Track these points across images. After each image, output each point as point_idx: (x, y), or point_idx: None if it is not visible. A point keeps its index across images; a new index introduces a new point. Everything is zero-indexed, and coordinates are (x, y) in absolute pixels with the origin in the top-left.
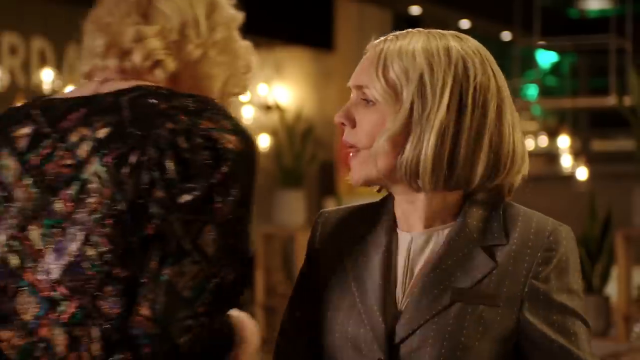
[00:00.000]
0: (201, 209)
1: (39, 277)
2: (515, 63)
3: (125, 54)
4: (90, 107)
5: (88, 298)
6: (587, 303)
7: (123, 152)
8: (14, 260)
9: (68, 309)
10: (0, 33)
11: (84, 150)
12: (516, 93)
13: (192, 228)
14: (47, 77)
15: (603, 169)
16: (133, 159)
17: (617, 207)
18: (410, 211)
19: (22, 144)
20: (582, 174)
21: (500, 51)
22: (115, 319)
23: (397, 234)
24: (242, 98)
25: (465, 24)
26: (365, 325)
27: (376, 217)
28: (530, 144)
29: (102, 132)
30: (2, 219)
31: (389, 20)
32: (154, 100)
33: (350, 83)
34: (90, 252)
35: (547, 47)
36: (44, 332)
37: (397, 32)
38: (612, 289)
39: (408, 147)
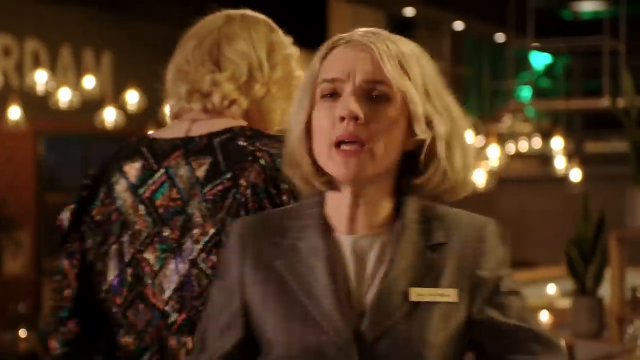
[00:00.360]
0: None
1: (155, 292)
2: (509, 64)
3: (205, 97)
4: (188, 147)
5: (194, 311)
6: (580, 304)
7: (220, 190)
8: (131, 278)
9: (177, 319)
10: None
11: (187, 186)
12: (510, 95)
13: None
14: (40, 78)
15: (596, 171)
16: (229, 196)
17: (610, 208)
18: (358, 214)
19: (134, 177)
20: (576, 175)
21: (494, 53)
22: None
23: (334, 237)
24: None
25: (459, 25)
26: (326, 332)
27: (301, 222)
28: (524, 145)
29: (201, 171)
30: (120, 242)
31: (382, 21)
32: (243, 143)
33: (363, 77)
34: (197, 273)
35: (541, 49)
36: (155, 338)
37: (371, 30)
38: (605, 290)
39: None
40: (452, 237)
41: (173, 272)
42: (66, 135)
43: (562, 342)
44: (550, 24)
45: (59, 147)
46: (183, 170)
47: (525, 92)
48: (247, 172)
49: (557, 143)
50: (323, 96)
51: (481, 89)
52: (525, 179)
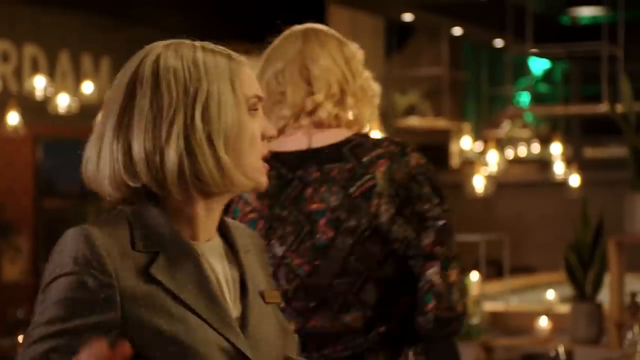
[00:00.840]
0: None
1: (313, 283)
2: (508, 70)
3: (311, 114)
4: (319, 157)
5: (352, 296)
6: (579, 310)
7: (363, 190)
8: (288, 272)
9: (337, 303)
10: None
11: (330, 189)
12: (508, 100)
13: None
14: (39, 83)
15: (595, 176)
16: (374, 195)
17: (609, 213)
18: (209, 221)
19: (271, 186)
20: (575, 180)
21: (492, 58)
22: (373, 305)
23: (187, 244)
24: None
25: (457, 30)
26: (225, 341)
27: (148, 231)
28: (522, 151)
29: (340, 176)
30: (270, 244)
31: (381, 26)
32: (369, 148)
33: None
34: (353, 263)
35: (539, 55)
36: (318, 320)
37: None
38: (604, 296)
39: None
40: (240, 241)
41: (328, 265)
42: (65, 141)
43: None
44: (548, 29)
45: (58, 152)
46: (321, 177)
47: (524, 98)
48: (383, 172)
49: (556, 148)
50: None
51: (480, 94)
52: (524, 184)
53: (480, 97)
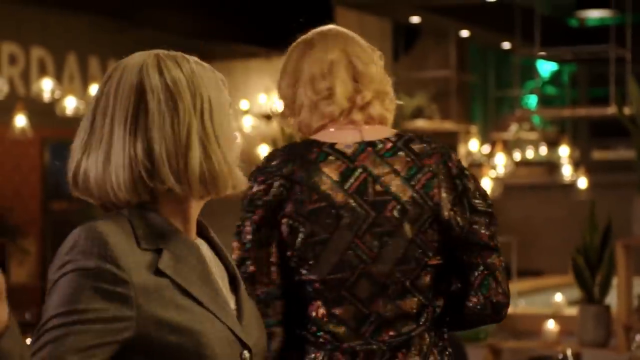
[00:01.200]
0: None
1: (375, 269)
2: (515, 72)
3: (362, 109)
4: (376, 149)
5: (409, 282)
6: (587, 313)
7: (424, 182)
8: (354, 258)
9: (396, 289)
10: (0, 43)
11: (391, 180)
12: (516, 102)
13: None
14: (46, 86)
15: (603, 178)
16: (434, 185)
17: (617, 216)
18: (195, 220)
19: (336, 175)
20: (582, 183)
21: (499, 60)
22: (426, 292)
23: (188, 239)
24: (242, 107)
25: (465, 33)
26: (229, 330)
27: (150, 229)
28: (530, 153)
29: (401, 167)
30: (336, 231)
31: (388, 29)
32: (421, 143)
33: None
34: (414, 251)
35: (547, 57)
36: (377, 306)
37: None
38: (612, 298)
39: None
40: None
41: (392, 252)
42: (72, 143)
43: None
44: (556, 31)
45: (65, 155)
46: (381, 168)
47: (532, 100)
48: (440, 165)
49: (564, 151)
50: None
51: (487, 96)
52: (532, 186)
53: (487, 100)
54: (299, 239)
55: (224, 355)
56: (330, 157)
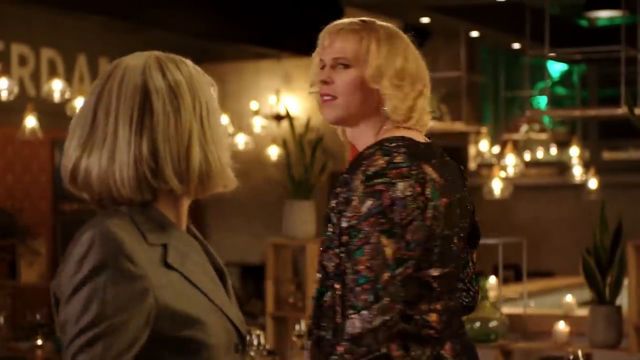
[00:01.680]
0: None
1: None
2: (525, 73)
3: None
4: (439, 151)
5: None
6: (598, 314)
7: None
8: (456, 252)
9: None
10: (10, 44)
11: (459, 181)
12: (526, 103)
13: None
14: (56, 87)
15: (613, 179)
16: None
17: (627, 216)
18: (185, 214)
19: (436, 174)
20: (593, 183)
21: (509, 61)
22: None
23: (187, 235)
24: (252, 107)
25: (475, 34)
26: (229, 321)
27: (152, 226)
28: (540, 153)
29: (457, 169)
30: (447, 227)
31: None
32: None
33: None
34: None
35: (557, 58)
36: (458, 299)
37: None
38: (623, 299)
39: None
40: None
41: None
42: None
43: None
44: (566, 32)
45: None
46: (450, 169)
47: (542, 101)
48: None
49: (574, 151)
50: None
51: (497, 97)
52: (542, 187)
53: (497, 100)
54: (436, 234)
55: (224, 344)
56: (430, 156)
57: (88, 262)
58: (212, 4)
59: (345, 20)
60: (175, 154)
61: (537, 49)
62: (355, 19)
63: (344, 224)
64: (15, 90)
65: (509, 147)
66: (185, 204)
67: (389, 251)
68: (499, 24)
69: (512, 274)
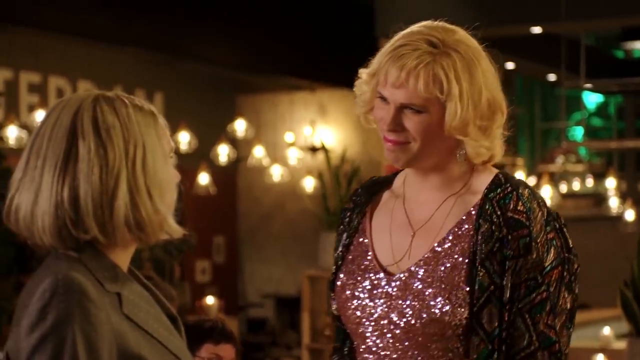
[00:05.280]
0: None
1: None
2: (561, 104)
3: None
4: None
5: None
6: (636, 346)
7: None
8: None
9: None
10: (48, 76)
11: None
12: (562, 134)
13: None
14: None
15: None
16: None
17: None
18: (126, 264)
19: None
20: (630, 215)
21: (545, 92)
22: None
23: (135, 284)
24: (288, 139)
25: (510, 65)
26: None
27: (104, 274)
28: (576, 185)
29: None
30: None
31: None
32: None
33: None
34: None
35: (593, 89)
36: None
37: None
38: None
39: None
40: None
41: None
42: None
43: None
44: (602, 63)
45: None
46: None
47: (578, 132)
48: None
49: (610, 183)
50: None
51: (533, 128)
52: (578, 219)
53: (533, 132)
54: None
55: None
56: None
57: (52, 312)
58: (247, 36)
59: (408, 39)
60: (98, 203)
61: (573, 80)
62: (421, 39)
63: (525, 275)
64: None
65: (545, 178)
66: (131, 250)
67: (568, 306)
68: (535, 55)
69: None
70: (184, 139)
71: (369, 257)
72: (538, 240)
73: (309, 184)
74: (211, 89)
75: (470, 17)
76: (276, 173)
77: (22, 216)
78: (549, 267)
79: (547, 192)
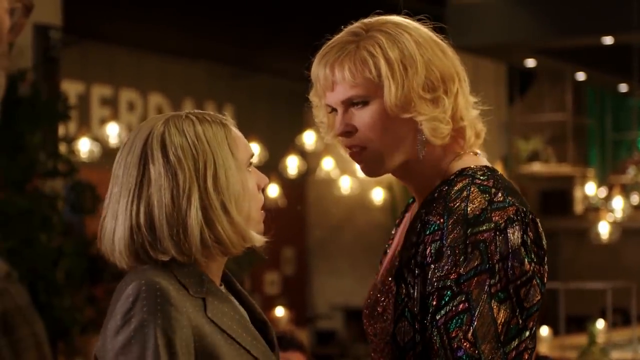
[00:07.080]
0: None
1: None
2: (633, 115)
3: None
4: None
5: None
6: None
7: None
8: None
9: None
10: (119, 90)
11: None
12: (633, 145)
13: None
14: None
15: None
16: None
17: None
18: (217, 275)
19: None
20: None
21: (616, 103)
22: None
23: (221, 290)
24: None
25: (581, 76)
26: None
27: (191, 280)
28: None
29: None
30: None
31: (503, 73)
32: None
33: None
34: None
35: None
36: None
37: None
38: None
39: None
40: None
41: None
42: None
43: None
44: None
45: None
46: None
47: None
48: None
49: None
50: None
51: (604, 139)
52: None
53: (604, 143)
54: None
55: None
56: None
57: (136, 317)
58: (317, 49)
59: (334, 39)
60: (173, 225)
61: None
62: (344, 32)
63: (436, 284)
64: (124, 135)
65: (616, 190)
66: (220, 260)
67: (500, 320)
68: (606, 66)
69: (621, 318)
70: (255, 151)
71: (376, 275)
72: (454, 245)
73: (378, 195)
74: (280, 101)
75: (541, 29)
76: (345, 185)
77: (106, 241)
78: (466, 275)
79: (618, 204)
